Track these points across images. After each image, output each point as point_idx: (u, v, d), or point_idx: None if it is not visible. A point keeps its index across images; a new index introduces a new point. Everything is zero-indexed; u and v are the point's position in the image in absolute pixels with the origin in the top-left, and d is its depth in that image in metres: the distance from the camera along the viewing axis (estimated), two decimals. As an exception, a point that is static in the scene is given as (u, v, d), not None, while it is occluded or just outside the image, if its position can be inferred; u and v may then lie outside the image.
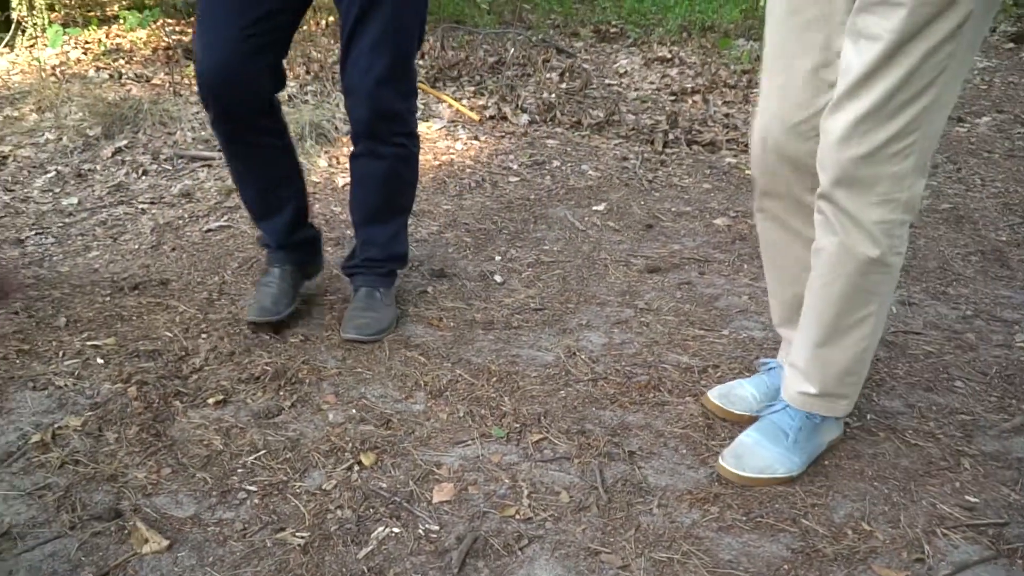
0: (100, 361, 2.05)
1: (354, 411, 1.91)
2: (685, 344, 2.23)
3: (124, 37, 5.43)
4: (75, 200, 3.14)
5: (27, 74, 4.72)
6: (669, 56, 5.34)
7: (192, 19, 5.73)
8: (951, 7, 1.39)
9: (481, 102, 4.28)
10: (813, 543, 1.56)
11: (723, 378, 2.07)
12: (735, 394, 1.94)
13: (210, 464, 1.72)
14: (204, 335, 2.17)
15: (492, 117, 4.10)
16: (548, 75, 4.75)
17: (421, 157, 3.54)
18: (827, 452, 1.80)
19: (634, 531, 1.58)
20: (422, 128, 3.90)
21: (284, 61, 2.09)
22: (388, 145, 2.14)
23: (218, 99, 2.01)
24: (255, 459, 1.74)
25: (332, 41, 5.21)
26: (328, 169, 3.41)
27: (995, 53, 5.71)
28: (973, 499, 1.68)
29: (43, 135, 3.70)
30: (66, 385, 1.95)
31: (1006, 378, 2.11)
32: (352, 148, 2.20)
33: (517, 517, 1.61)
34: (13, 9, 5.45)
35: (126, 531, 1.53)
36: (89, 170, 3.39)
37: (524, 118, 4.07)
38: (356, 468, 1.72)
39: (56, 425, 1.81)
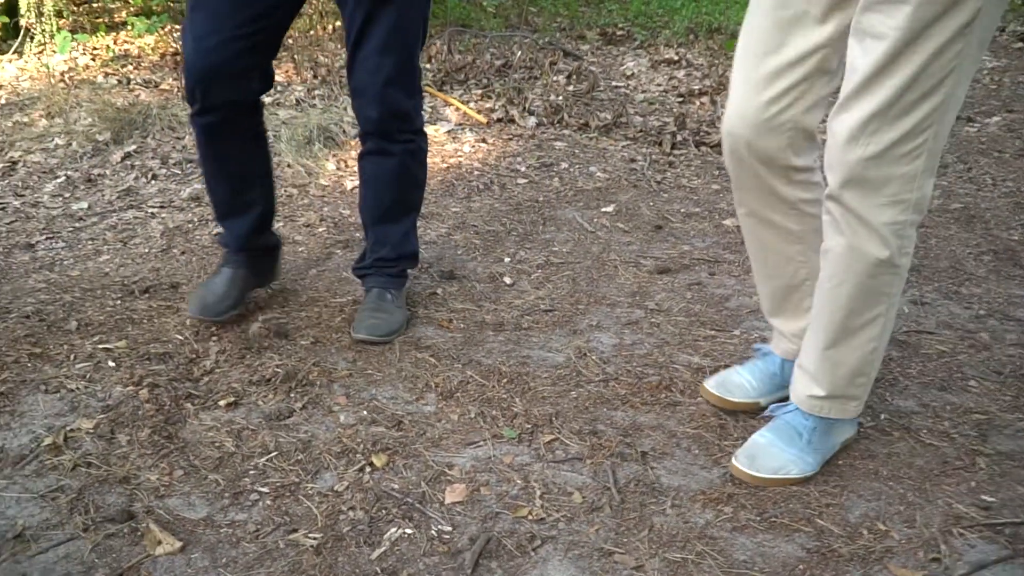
0: (111, 364, 2.05)
1: (365, 412, 1.90)
2: (696, 345, 2.22)
3: (132, 43, 5.45)
4: (85, 205, 3.14)
5: (36, 80, 4.74)
6: (676, 58, 5.34)
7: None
8: (957, 5, 1.38)
9: (488, 105, 4.28)
10: (828, 543, 1.55)
11: (735, 378, 2.06)
12: (731, 382, 1.94)
13: (222, 466, 1.72)
14: (214, 338, 2.17)
15: (499, 120, 4.10)
16: (555, 78, 4.74)
17: (429, 160, 3.54)
18: (841, 452, 1.79)
19: (647, 531, 1.57)
20: (429, 131, 3.90)
21: (273, 62, 2.11)
22: (397, 143, 2.15)
23: (205, 95, 2.02)
24: (267, 461, 1.74)
25: (339, 46, 5.22)
26: (336, 172, 3.41)
27: (1004, 53, 5.69)
28: (989, 498, 1.67)
29: (53, 140, 3.71)
30: (78, 388, 1.95)
31: (1021, 377, 2.10)
32: (361, 148, 2.21)
33: (530, 518, 1.60)
34: (22, 16, 5.47)
35: (139, 533, 1.53)
36: (99, 175, 3.39)
37: (531, 121, 4.07)
38: (368, 469, 1.72)
39: (68, 428, 1.81)
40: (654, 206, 3.19)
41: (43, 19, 5.35)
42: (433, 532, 1.56)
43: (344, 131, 3.73)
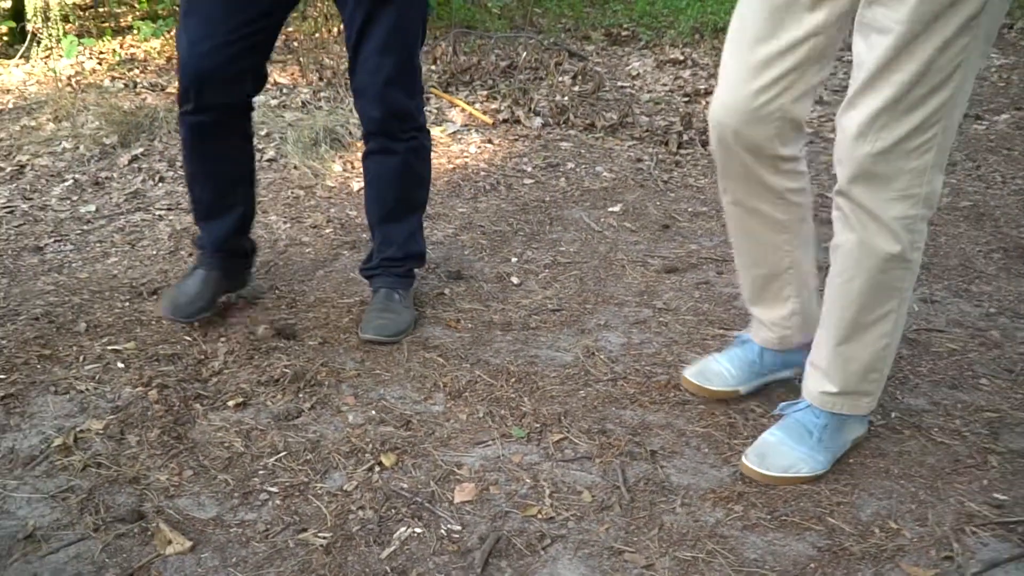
0: (120, 365, 2.05)
1: (373, 412, 1.90)
2: (704, 343, 2.22)
3: (138, 47, 5.47)
4: (93, 207, 3.15)
5: (43, 84, 4.75)
6: (681, 58, 5.33)
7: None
8: None
9: (494, 106, 4.28)
10: (840, 541, 1.54)
11: (744, 377, 2.06)
12: (710, 370, 1.94)
13: (231, 466, 1.72)
14: (223, 339, 2.17)
15: (505, 120, 4.10)
16: (560, 78, 4.74)
17: (435, 161, 3.55)
18: (852, 450, 1.78)
19: (658, 530, 1.57)
20: (435, 132, 3.90)
21: (267, 61, 2.13)
22: (401, 140, 2.16)
23: (199, 97, 2.04)
24: (276, 461, 1.74)
25: (344, 48, 5.22)
26: (343, 174, 3.41)
27: (1013, 50, 5.67)
28: (1001, 496, 1.66)
29: (60, 144, 3.72)
30: (87, 389, 1.96)
31: (1031, 374, 2.09)
32: (365, 148, 2.22)
33: (539, 517, 1.60)
34: (28, 21, 5.49)
35: (149, 533, 1.53)
36: (106, 178, 3.40)
37: (537, 121, 4.07)
38: (377, 469, 1.72)
39: (78, 428, 1.81)
40: (661, 205, 3.18)
41: (49, 24, 5.37)
42: (443, 531, 1.56)
43: (350, 133, 3.73)
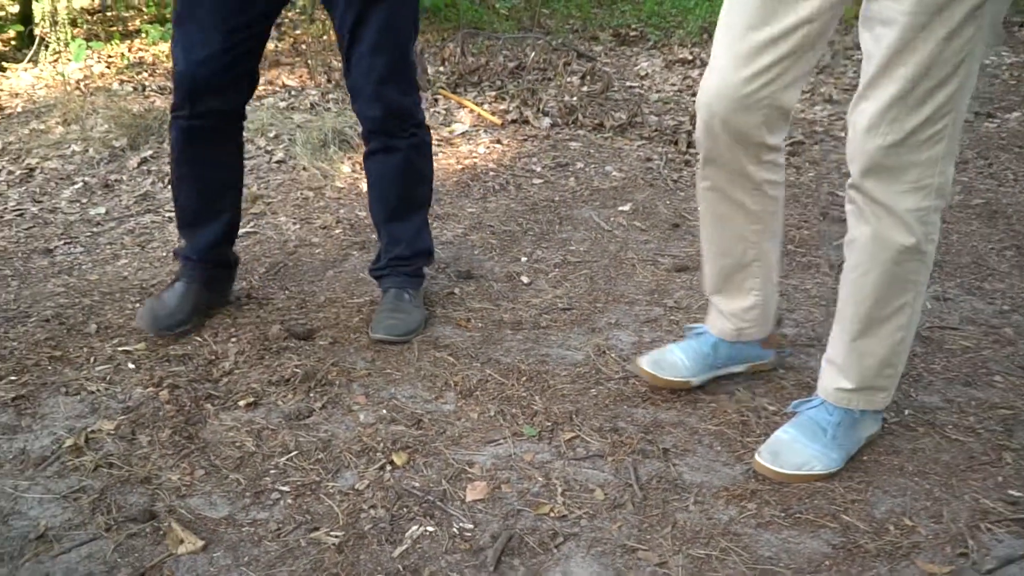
0: (131, 366, 2.05)
1: (385, 411, 1.90)
2: (716, 342, 2.21)
3: (147, 50, 5.48)
4: (103, 210, 3.16)
5: (52, 88, 4.77)
6: (690, 58, 5.32)
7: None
8: None
9: (502, 106, 4.28)
10: (854, 538, 1.53)
11: (756, 374, 2.05)
12: (665, 360, 1.93)
13: (243, 465, 1.72)
14: (233, 339, 2.17)
15: (514, 121, 4.10)
16: (569, 79, 4.74)
17: (444, 161, 3.55)
18: (866, 448, 1.77)
19: (671, 528, 1.56)
20: (444, 133, 3.90)
21: (259, 66, 2.14)
22: (401, 138, 2.16)
23: (195, 103, 2.05)
24: (287, 460, 1.73)
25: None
26: (352, 175, 3.41)
27: (1023, 49, 5.64)
28: (1016, 493, 1.65)
29: (69, 147, 3.73)
30: (98, 390, 1.96)
31: (1045, 371, 2.07)
32: (365, 149, 2.22)
33: (552, 515, 1.59)
34: (36, 25, 5.52)
35: (161, 532, 1.53)
36: (116, 180, 3.41)
37: (546, 121, 4.06)
38: (388, 468, 1.71)
39: (89, 429, 1.81)
40: (671, 204, 3.17)
41: (57, 27, 5.39)
42: (455, 530, 1.55)
43: (359, 134, 3.72)
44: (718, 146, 1.71)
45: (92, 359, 2.08)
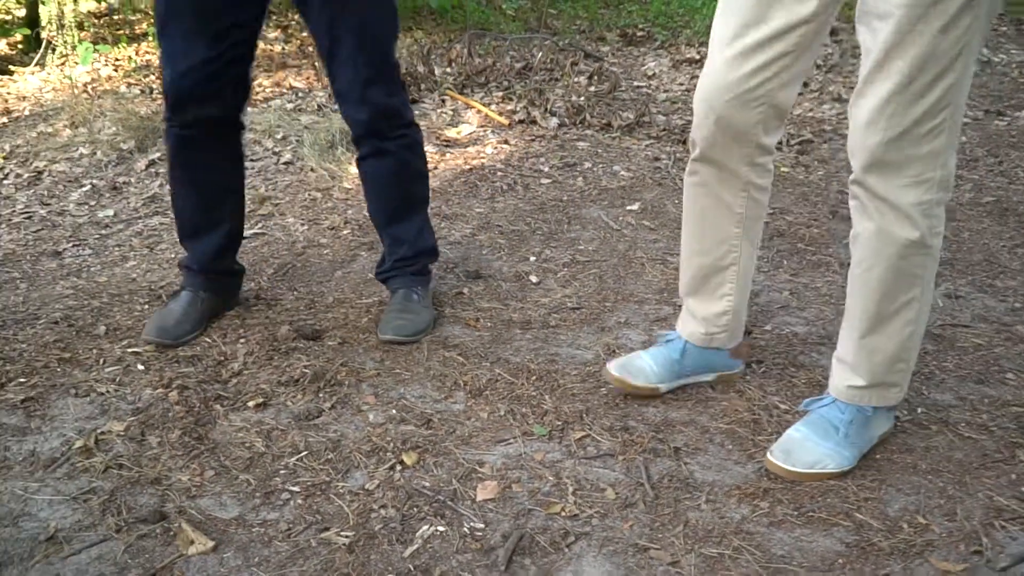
0: (140, 367, 2.05)
1: (394, 411, 1.89)
2: (726, 340, 2.20)
3: (153, 53, 5.49)
4: (111, 212, 3.16)
5: (59, 91, 4.78)
6: (697, 57, 5.31)
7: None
8: None
9: (510, 107, 4.27)
10: (868, 537, 1.52)
11: (767, 374, 2.04)
12: (634, 365, 1.92)
13: (252, 466, 1.71)
14: (242, 340, 2.17)
15: (521, 121, 4.09)
16: (576, 79, 4.73)
17: (452, 161, 3.55)
18: (878, 446, 1.76)
19: (683, 527, 1.55)
20: (451, 134, 3.90)
21: (250, 73, 2.11)
22: (391, 139, 2.14)
23: (183, 112, 2.04)
24: (297, 460, 1.73)
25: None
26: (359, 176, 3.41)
27: (1029, 46, 5.62)
28: (1031, 490, 1.64)
29: (77, 150, 3.74)
30: (108, 391, 1.95)
31: (1059, 368, 2.06)
32: (357, 153, 2.19)
33: (563, 514, 1.58)
34: (43, 28, 5.53)
35: (171, 533, 1.52)
36: (124, 183, 3.41)
37: (553, 121, 4.06)
38: (398, 468, 1.71)
39: (99, 430, 1.81)
40: (679, 203, 3.16)
41: (64, 31, 5.40)
42: (465, 529, 1.54)
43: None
44: (713, 143, 1.71)
45: (101, 361, 2.08)
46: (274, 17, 6.03)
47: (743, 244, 1.83)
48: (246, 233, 2.88)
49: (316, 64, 4.90)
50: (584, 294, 2.45)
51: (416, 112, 4.18)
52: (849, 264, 1.66)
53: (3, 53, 5.74)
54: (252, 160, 3.58)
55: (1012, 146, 3.80)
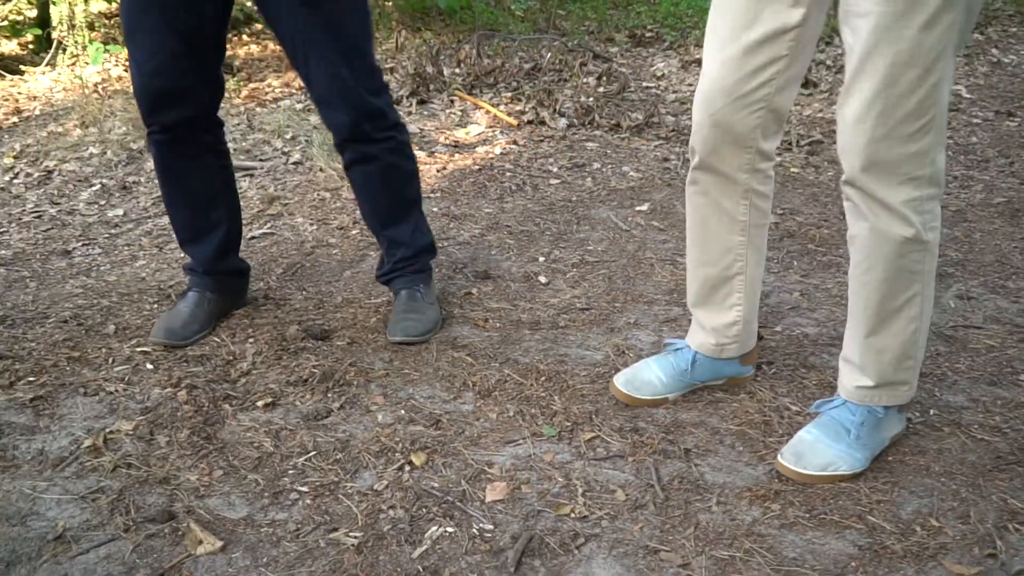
0: (149, 367, 2.05)
1: (403, 412, 1.89)
2: (737, 341, 2.18)
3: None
4: (120, 211, 3.16)
5: (69, 91, 4.79)
6: (706, 58, 5.29)
7: (232, 35, 5.79)
8: None
9: (518, 107, 4.27)
10: (881, 540, 1.51)
11: (777, 375, 2.03)
12: (640, 379, 1.91)
13: (261, 466, 1.71)
14: (251, 340, 2.17)
15: (530, 122, 4.08)
16: (585, 80, 4.72)
17: (461, 162, 3.54)
18: (891, 448, 1.75)
19: (693, 529, 1.54)
20: (460, 134, 3.89)
21: (221, 70, 2.08)
22: (375, 143, 2.09)
23: (159, 116, 2.02)
24: (306, 460, 1.72)
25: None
26: (369, 176, 3.41)
27: (1041, 47, 5.59)
28: (1046, 493, 1.62)
29: (87, 149, 3.74)
30: (116, 390, 1.95)
31: (1073, 370, 2.04)
32: (343, 160, 2.15)
33: (572, 516, 1.57)
34: (54, 28, 5.54)
35: (180, 533, 1.52)
36: (134, 182, 3.42)
37: (562, 122, 4.05)
38: (407, 468, 1.70)
39: (108, 430, 1.81)
40: (689, 204, 3.15)
41: (75, 31, 5.41)
42: (475, 530, 1.54)
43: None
44: (713, 149, 1.71)
45: (110, 360, 2.08)
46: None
47: (748, 252, 1.82)
48: (255, 233, 2.88)
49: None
50: (593, 295, 2.44)
51: (425, 112, 4.19)
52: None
53: (14, 53, 5.76)
54: (261, 160, 3.58)
55: (1023, 147, 3.77)
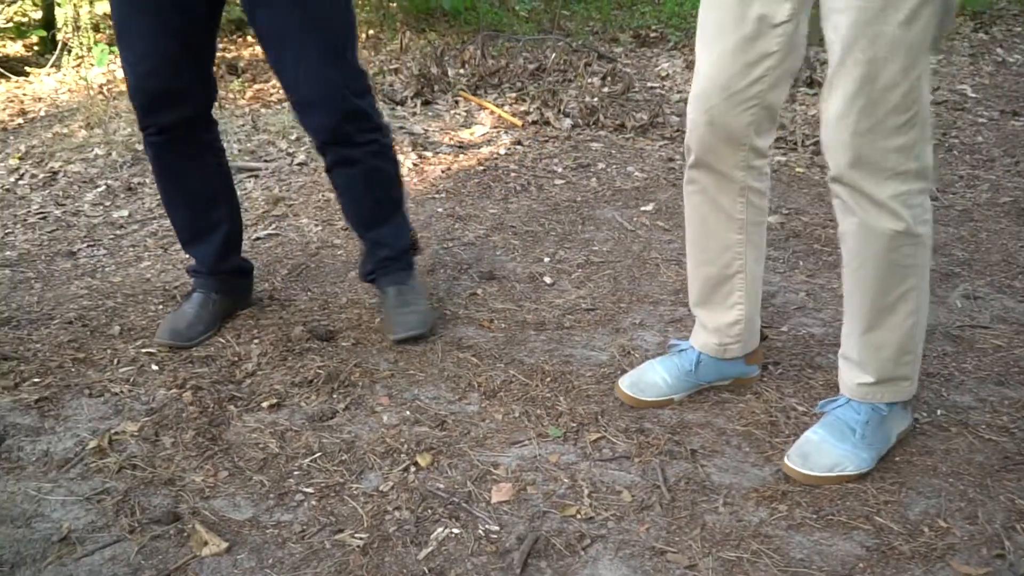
0: (155, 368, 2.05)
1: (408, 413, 1.88)
2: (742, 341, 2.18)
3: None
4: (125, 212, 3.16)
5: (75, 93, 4.80)
6: (711, 58, 5.28)
7: (235, 36, 5.80)
8: None
9: (523, 108, 4.26)
10: (888, 540, 1.50)
11: (784, 375, 2.02)
12: (645, 381, 1.91)
13: (266, 467, 1.71)
14: (256, 341, 2.17)
15: (535, 122, 4.08)
16: (589, 80, 4.71)
17: (465, 163, 3.54)
18: (898, 448, 1.74)
19: (700, 530, 1.53)
20: (465, 135, 3.89)
21: (213, 68, 2.08)
22: (357, 146, 2.07)
23: (153, 115, 2.01)
24: (311, 461, 1.72)
25: (372, 52, 5.24)
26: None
27: (1047, 46, 5.57)
28: (1054, 494, 1.62)
29: (92, 151, 3.75)
30: (122, 392, 1.95)
31: (1081, 370, 2.03)
32: (324, 163, 2.14)
33: (578, 517, 1.57)
34: (59, 30, 5.55)
35: (185, 534, 1.52)
36: (139, 183, 3.42)
37: (567, 122, 4.04)
38: (412, 469, 1.70)
39: (113, 431, 1.81)
40: (694, 204, 3.14)
41: (80, 33, 5.42)
42: (480, 532, 1.53)
43: (380, 136, 3.72)
44: (708, 148, 1.71)
45: (115, 361, 2.08)
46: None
47: (747, 250, 1.82)
48: (260, 234, 2.88)
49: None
50: (598, 295, 2.44)
51: (429, 113, 4.19)
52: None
53: (19, 55, 5.77)
54: (266, 161, 3.58)
55: (1030, 146, 3.76)
